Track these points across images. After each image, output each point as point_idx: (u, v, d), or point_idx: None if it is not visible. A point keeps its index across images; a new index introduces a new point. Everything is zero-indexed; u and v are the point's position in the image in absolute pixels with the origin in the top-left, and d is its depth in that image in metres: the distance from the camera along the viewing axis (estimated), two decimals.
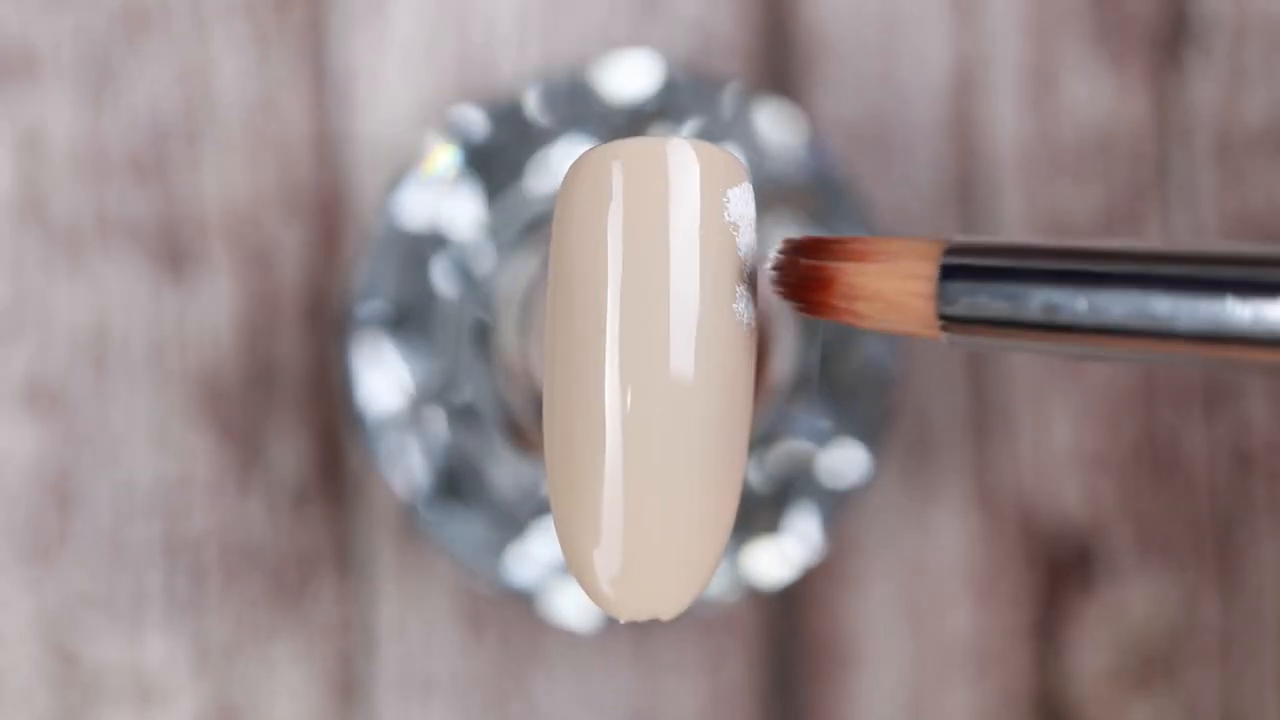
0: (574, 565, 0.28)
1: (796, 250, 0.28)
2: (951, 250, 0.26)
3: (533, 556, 0.40)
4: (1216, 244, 0.25)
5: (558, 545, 0.31)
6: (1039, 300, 0.25)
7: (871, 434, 0.41)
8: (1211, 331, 0.24)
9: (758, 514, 0.40)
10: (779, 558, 0.40)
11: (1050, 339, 0.25)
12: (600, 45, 0.42)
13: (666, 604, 0.28)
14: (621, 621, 0.28)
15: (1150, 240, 0.26)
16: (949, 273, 0.26)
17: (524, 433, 0.40)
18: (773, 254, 0.28)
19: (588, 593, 0.28)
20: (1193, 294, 0.24)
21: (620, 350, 0.27)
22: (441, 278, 0.40)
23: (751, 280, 0.28)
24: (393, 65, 0.42)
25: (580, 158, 0.28)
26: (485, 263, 0.40)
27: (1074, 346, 0.25)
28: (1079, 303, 0.25)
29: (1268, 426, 0.42)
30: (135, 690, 0.42)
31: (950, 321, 0.26)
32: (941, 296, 0.26)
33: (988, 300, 0.26)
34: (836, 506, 0.40)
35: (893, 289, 0.26)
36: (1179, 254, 0.25)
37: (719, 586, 0.40)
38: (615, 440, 0.27)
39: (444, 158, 0.40)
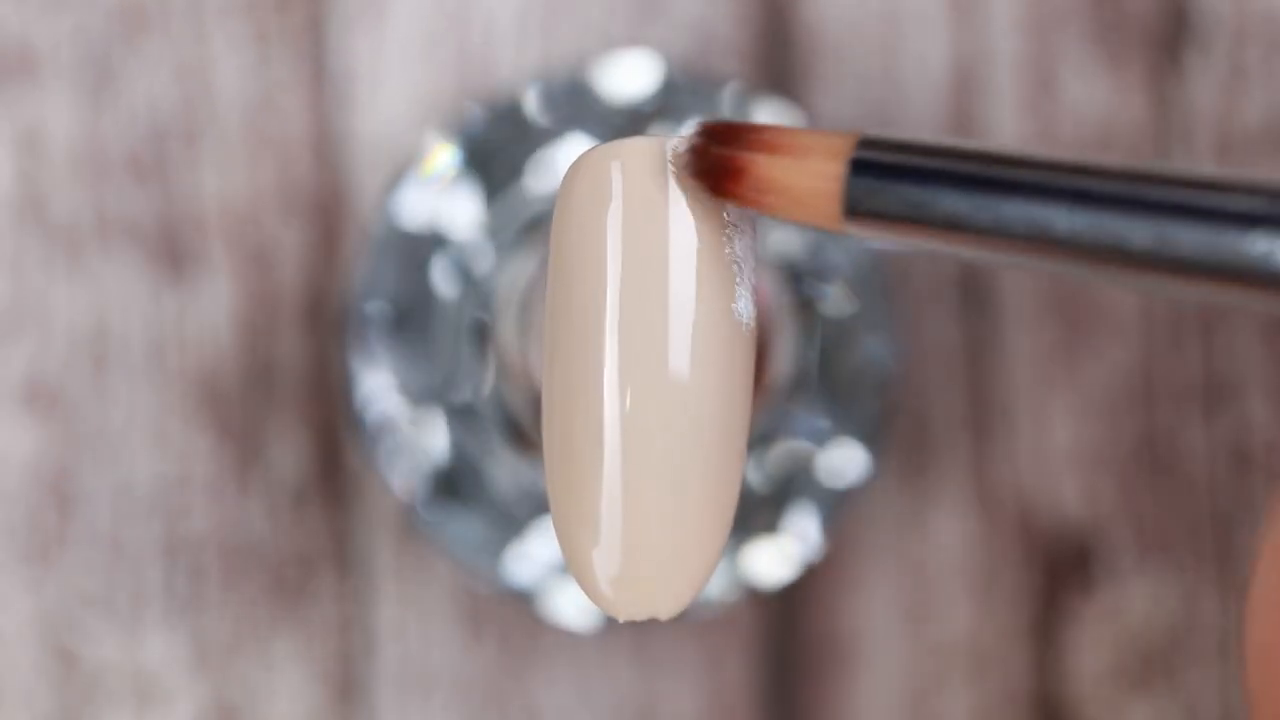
0: (573, 565, 0.28)
1: (709, 136, 0.27)
2: (863, 144, 0.26)
3: (532, 556, 0.40)
4: (1116, 161, 0.24)
5: (556, 545, 0.31)
6: (942, 207, 0.25)
7: (870, 434, 0.41)
8: (1111, 250, 0.24)
9: (757, 514, 0.40)
10: (778, 557, 0.40)
11: (951, 244, 0.25)
12: (600, 45, 0.42)
13: (665, 604, 0.28)
14: (620, 621, 0.28)
15: (1054, 151, 0.25)
16: (858, 169, 0.26)
17: (524, 433, 0.40)
18: (684, 135, 0.27)
19: (586, 592, 0.28)
20: (1095, 213, 0.24)
21: (619, 350, 0.27)
22: (441, 278, 0.40)
23: (751, 280, 0.28)
24: (393, 65, 0.42)
25: (580, 158, 0.28)
26: (485, 263, 0.40)
27: (978, 254, 0.25)
28: (982, 214, 0.25)
29: (1268, 426, 0.42)
30: (135, 690, 0.42)
31: (853, 217, 0.26)
32: (847, 195, 0.26)
33: (891, 202, 0.25)
34: (836, 506, 0.40)
35: (801, 184, 0.26)
36: (1079, 165, 0.25)
37: (718, 586, 0.40)
38: (614, 440, 0.27)
39: (443, 157, 0.40)
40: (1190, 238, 0.23)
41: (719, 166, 0.27)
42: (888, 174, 0.26)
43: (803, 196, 0.26)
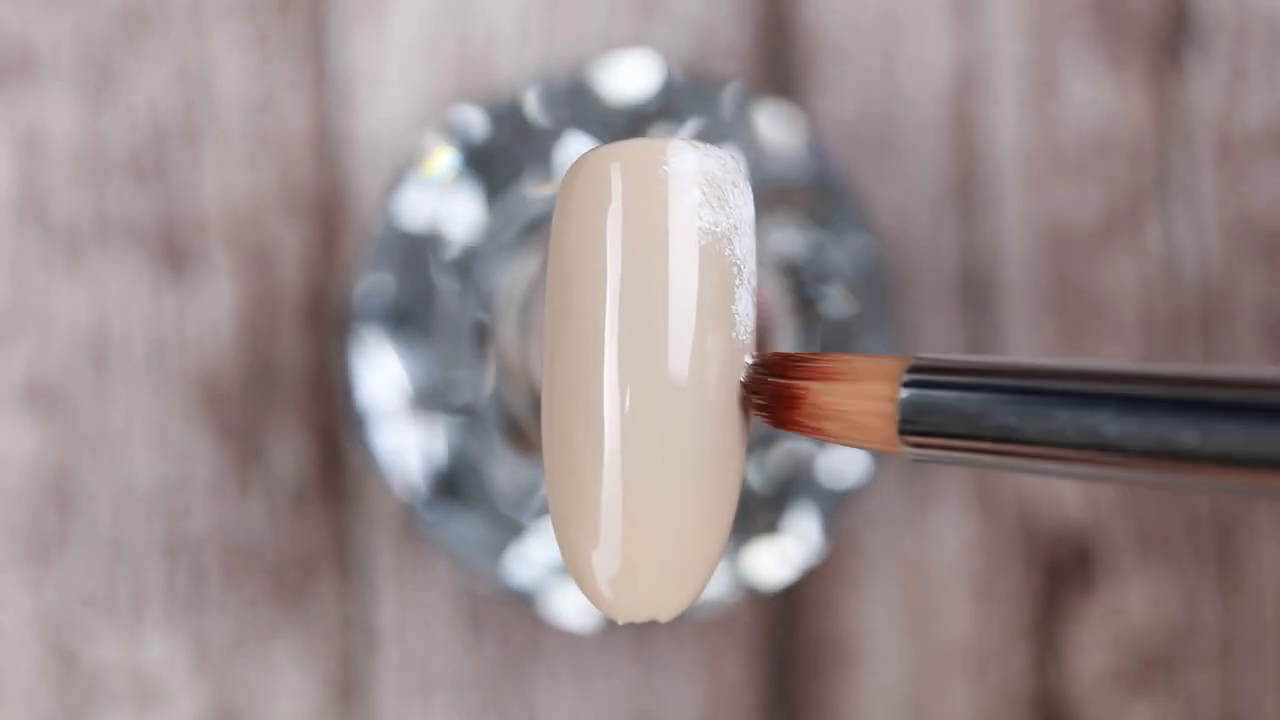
0: (572, 566, 0.28)
1: (765, 368, 0.28)
2: (914, 368, 0.26)
3: (532, 557, 0.40)
4: (1166, 366, 0.25)
5: (556, 546, 0.31)
6: (994, 420, 0.26)
7: None
8: (1159, 449, 0.24)
9: (758, 515, 0.40)
10: (779, 558, 0.40)
11: (1005, 458, 0.26)
12: (600, 45, 0.42)
13: (665, 605, 0.28)
14: (620, 623, 0.28)
15: (1105, 358, 0.26)
16: (911, 390, 0.26)
17: (524, 433, 0.40)
18: (744, 370, 0.28)
19: (586, 594, 0.27)
20: (1141, 414, 0.25)
21: (619, 351, 0.27)
22: (441, 278, 0.40)
23: (752, 282, 0.28)
24: (393, 65, 0.42)
25: (580, 159, 0.28)
26: (485, 263, 0.40)
27: (1032, 465, 0.26)
28: (1031, 425, 0.25)
29: None
30: (135, 690, 0.42)
31: (910, 439, 0.26)
32: (901, 415, 0.26)
33: (944, 421, 0.26)
34: (836, 507, 0.40)
35: (856, 408, 0.27)
36: (1128, 373, 0.25)
37: (719, 587, 0.40)
38: (614, 441, 0.27)
39: (443, 158, 0.40)
40: (1233, 433, 0.24)
41: (778, 396, 0.27)
42: (939, 391, 0.26)
43: (859, 420, 0.27)
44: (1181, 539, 0.42)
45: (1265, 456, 0.24)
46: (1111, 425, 0.25)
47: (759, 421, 0.28)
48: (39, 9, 0.42)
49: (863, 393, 0.27)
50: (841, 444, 0.27)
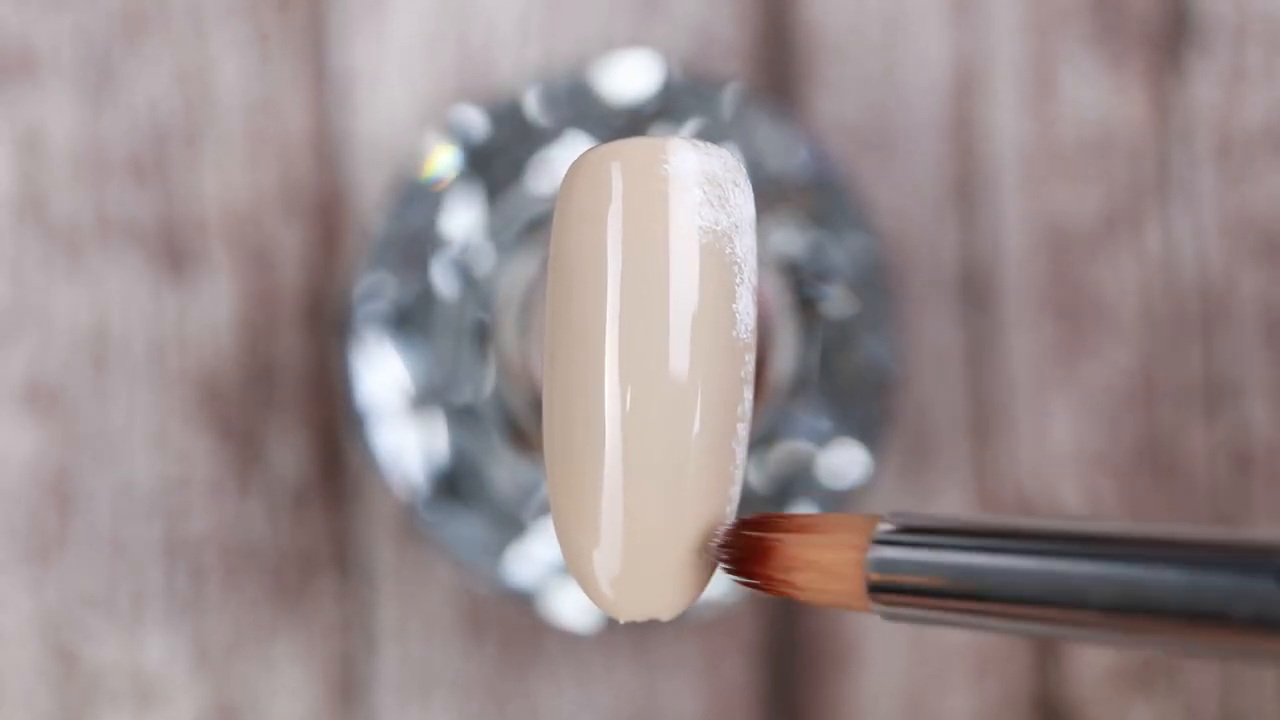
0: (573, 565, 0.28)
1: (742, 525, 0.28)
2: (886, 525, 0.27)
3: (533, 557, 0.40)
4: (1140, 526, 0.25)
5: (557, 545, 0.31)
6: (961, 575, 0.26)
7: (872, 435, 0.41)
8: (1128, 605, 0.24)
9: None
10: None
11: (975, 613, 0.26)
12: (600, 45, 0.42)
13: (666, 605, 0.28)
14: (621, 622, 0.28)
15: (1072, 518, 0.26)
16: (881, 546, 0.27)
17: (524, 433, 0.40)
18: (720, 532, 0.28)
19: (587, 593, 0.27)
20: (1118, 578, 0.25)
21: (620, 350, 0.27)
22: (442, 278, 0.40)
23: (752, 281, 0.28)
24: (393, 65, 0.42)
25: (580, 158, 0.28)
26: (485, 263, 0.40)
27: (1001, 623, 0.26)
28: (995, 579, 0.25)
29: (1268, 427, 0.42)
30: (135, 690, 0.42)
31: (876, 591, 0.26)
32: (870, 566, 0.26)
33: (910, 573, 0.26)
34: (837, 507, 0.40)
35: (827, 559, 0.27)
36: (1098, 534, 0.25)
37: (720, 588, 0.40)
38: (615, 440, 0.27)
39: (444, 158, 0.40)
40: (1216, 588, 0.24)
41: (750, 549, 0.28)
42: (907, 548, 0.26)
43: (830, 570, 0.27)
44: None
45: (1223, 613, 0.24)
46: (1088, 587, 0.25)
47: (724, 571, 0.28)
48: (39, 9, 0.42)
49: (834, 542, 0.27)
50: (812, 599, 0.27)
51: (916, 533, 0.26)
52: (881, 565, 0.26)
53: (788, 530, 0.27)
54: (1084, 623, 0.25)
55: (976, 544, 0.26)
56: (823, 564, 0.27)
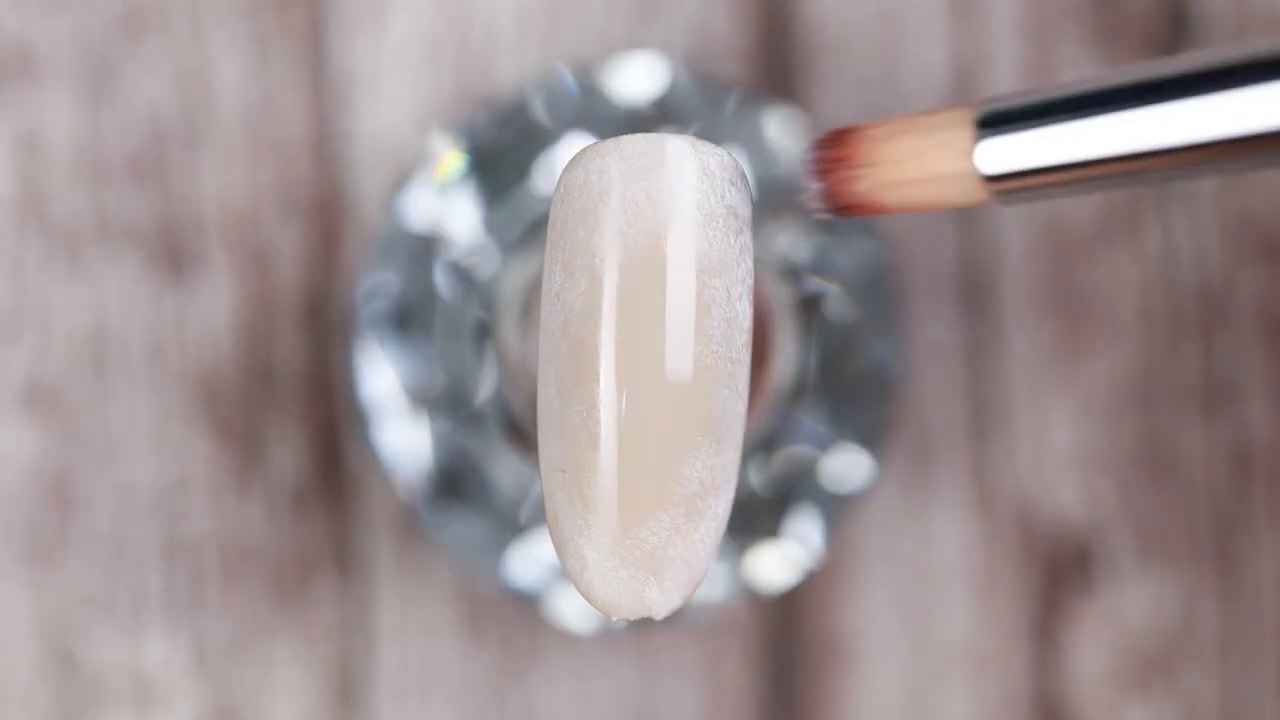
0: (567, 563, 0.28)
1: (822, 146, 0.27)
2: (981, 113, 0.26)
3: (533, 557, 0.40)
4: (1220, 51, 0.25)
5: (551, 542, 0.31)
6: (1076, 140, 0.25)
7: (872, 438, 0.40)
8: (1239, 133, 0.24)
9: (759, 519, 0.40)
10: (781, 562, 0.40)
11: (1094, 173, 0.26)
12: (600, 46, 0.42)
13: (659, 603, 0.28)
14: (614, 619, 0.28)
15: (1161, 62, 0.26)
16: (984, 134, 0.26)
17: (524, 433, 0.40)
18: (801, 161, 0.27)
19: (581, 590, 0.27)
20: (1213, 96, 0.25)
21: (616, 349, 0.27)
22: (444, 279, 0.40)
23: (751, 281, 0.28)
24: (393, 66, 0.42)
25: (577, 154, 0.28)
26: (488, 264, 0.40)
27: (1119, 177, 0.26)
28: (1113, 132, 0.25)
29: (1267, 428, 0.42)
30: (135, 691, 0.42)
31: (995, 180, 0.26)
32: (981, 158, 0.26)
33: (1026, 152, 0.26)
34: (838, 511, 0.40)
35: (934, 162, 0.26)
36: (1196, 70, 0.25)
37: (721, 591, 0.40)
38: (610, 440, 0.27)
39: (454, 164, 0.40)
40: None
41: (842, 171, 0.27)
42: (1012, 129, 0.26)
43: (941, 173, 0.26)
44: (1181, 539, 0.42)
45: None
46: (1189, 114, 0.25)
47: (823, 216, 0.27)
48: (39, 9, 0.42)
49: (937, 143, 0.26)
50: (918, 206, 0.27)
51: (1013, 116, 0.26)
52: (991, 157, 0.26)
53: (877, 140, 0.27)
54: (1196, 160, 0.25)
55: (1079, 102, 0.26)
56: (930, 168, 0.26)
